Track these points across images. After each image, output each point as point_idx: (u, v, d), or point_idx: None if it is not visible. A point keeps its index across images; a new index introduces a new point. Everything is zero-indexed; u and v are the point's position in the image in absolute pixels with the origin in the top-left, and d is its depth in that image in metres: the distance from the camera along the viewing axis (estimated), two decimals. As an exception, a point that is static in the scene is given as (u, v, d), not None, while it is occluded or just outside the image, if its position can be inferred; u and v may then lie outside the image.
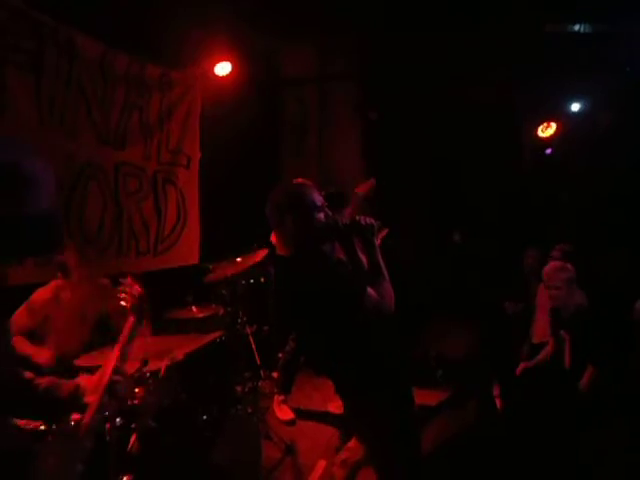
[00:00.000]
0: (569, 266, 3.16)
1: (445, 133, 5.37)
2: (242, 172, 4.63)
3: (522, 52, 4.90)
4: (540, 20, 4.57)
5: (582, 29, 4.70)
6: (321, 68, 5.05)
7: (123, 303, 2.05)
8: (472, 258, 5.39)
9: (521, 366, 3.41)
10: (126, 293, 2.05)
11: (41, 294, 2.89)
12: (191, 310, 3.44)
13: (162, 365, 2.53)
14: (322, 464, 3.12)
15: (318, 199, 2.03)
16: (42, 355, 2.72)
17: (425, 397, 3.71)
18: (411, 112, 4.87)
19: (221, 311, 3.72)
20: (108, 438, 1.91)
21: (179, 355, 2.70)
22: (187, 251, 4.40)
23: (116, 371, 1.76)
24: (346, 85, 5.23)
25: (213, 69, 4.39)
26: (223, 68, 4.40)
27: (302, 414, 3.87)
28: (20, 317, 2.80)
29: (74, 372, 2.25)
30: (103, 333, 2.86)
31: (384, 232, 2.30)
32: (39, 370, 2.50)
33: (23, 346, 2.75)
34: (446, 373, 4.22)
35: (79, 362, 2.45)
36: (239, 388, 3.89)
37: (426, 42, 4.63)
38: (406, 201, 5.12)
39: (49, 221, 1.23)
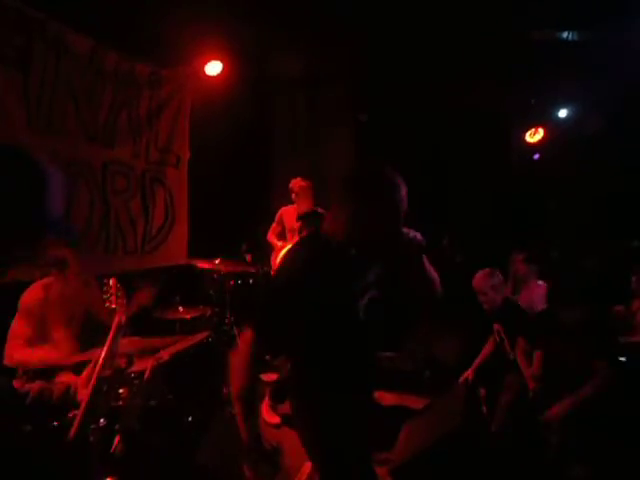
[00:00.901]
0: (497, 272, 3.34)
1: (434, 136, 5.40)
2: (232, 172, 4.62)
3: (510, 58, 4.95)
4: (527, 27, 4.63)
5: (570, 36, 4.76)
6: (311, 70, 5.06)
7: (108, 304, 2.08)
8: (460, 262, 5.41)
9: (465, 375, 3.52)
10: (111, 294, 2.07)
11: (33, 295, 2.74)
12: (178, 311, 3.42)
13: (147, 366, 2.51)
14: (308, 466, 3.11)
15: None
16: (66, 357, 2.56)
17: (411, 401, 3.72)
18: (401, 114, 4.90)
19: (208, 312, 3.70)
20: (92, 439, 1.89)
21: (165, 356, 2.68)
22: (175, 251, 4.37)
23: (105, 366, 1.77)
24: (336, 87, 5.25)
25: (204, 68, 4.37)
26: (214, 68, 4.38)
27: (289, 421, 3.84)
28: (20, 327, 2.65)
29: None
30: (90, 332, 2.80)
31: None
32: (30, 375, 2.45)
33: (44, 356, 2.56)
34: (433, 375, 4.24)
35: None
36: (225, 389, 3.86)
37: (416, 46, 4.66)
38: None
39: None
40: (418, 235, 1.76)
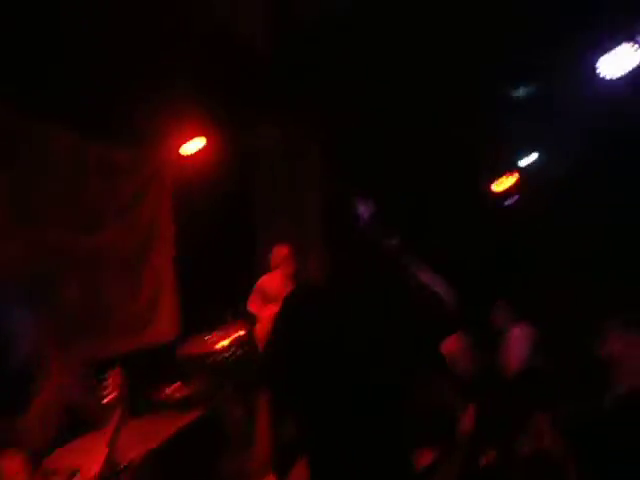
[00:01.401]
0: (464, 336, 3.27)
1: (410, 187, 5.50)
2: (216, 246, 4.71)
3: (479, 110, 5.17)
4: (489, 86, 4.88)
5: (525, 93, 5.04)
6: (286, 140, 5.28)
7: (110, 395, 2.05)
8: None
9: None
10: (113, 384, 2.06)
11: None
12: (168, 391, 3.40)
13: (136, 455, 2.48)
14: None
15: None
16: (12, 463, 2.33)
17: (422, 455, 3.58)
18: (375, 176, 5.03)
19: (201, 388, 3.67)
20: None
21: (155, 442, 2.66)
22: (165, 328, 4.40)
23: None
24: (313, 158, 5.47)
25: (182, 147, 4.50)
26: (191, 146, 4.51)
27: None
28: None
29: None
30: (72, 426, 2.75)
31: None
32: None
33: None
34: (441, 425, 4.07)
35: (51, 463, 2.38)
36: (228, 466, 3.76)
37: (389, 111, 4.88)
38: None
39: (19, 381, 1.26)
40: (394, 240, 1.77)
